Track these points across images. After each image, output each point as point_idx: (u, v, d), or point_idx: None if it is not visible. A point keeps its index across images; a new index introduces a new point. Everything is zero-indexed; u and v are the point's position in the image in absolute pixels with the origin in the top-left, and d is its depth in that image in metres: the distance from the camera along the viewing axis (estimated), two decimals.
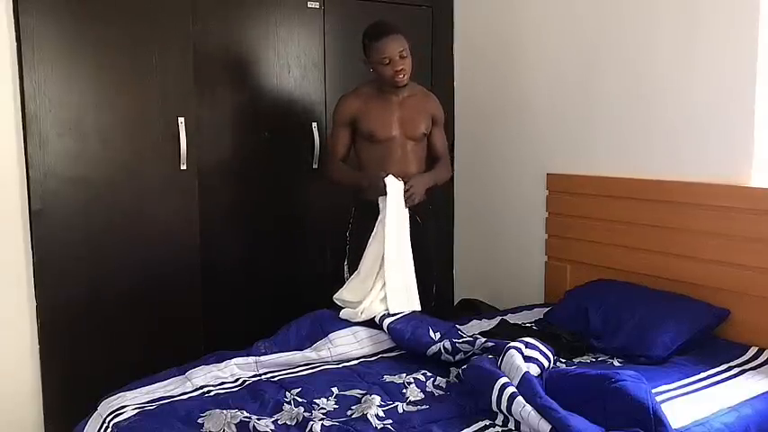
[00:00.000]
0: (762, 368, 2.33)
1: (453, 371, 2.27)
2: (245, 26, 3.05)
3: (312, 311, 2.57)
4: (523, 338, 2.21)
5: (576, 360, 2.42)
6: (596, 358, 2.45)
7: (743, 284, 2.51)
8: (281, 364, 2.32)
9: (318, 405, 2.05)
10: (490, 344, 2.30)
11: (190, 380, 2.17)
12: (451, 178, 3.59)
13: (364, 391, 2.12)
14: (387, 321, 2.47)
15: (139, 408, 2.01)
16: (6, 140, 2.56)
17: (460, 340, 2.37)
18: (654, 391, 1.95)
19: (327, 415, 1.98)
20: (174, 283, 2.93)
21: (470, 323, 2.82)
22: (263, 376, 2.24)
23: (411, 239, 2.73)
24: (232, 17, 3.01)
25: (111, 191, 2.76)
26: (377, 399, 2.04)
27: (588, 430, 1.77)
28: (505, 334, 2.53)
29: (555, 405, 1.83)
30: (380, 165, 2.78)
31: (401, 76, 2.70)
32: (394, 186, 2.65)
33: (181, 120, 2.87)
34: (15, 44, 2.53)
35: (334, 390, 2.14)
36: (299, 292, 3.24)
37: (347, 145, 2.86)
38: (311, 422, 1.89)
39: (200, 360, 2.31)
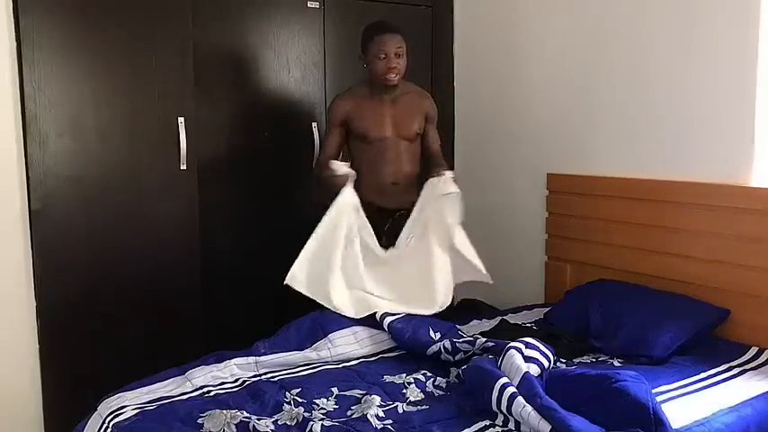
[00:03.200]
0: (762, 368, 2.33)
1: (453, 371, 2.27)
2: (244, 26, 3.05)
3: (312, 311, 2.57)
4: (523, 338, 2.21)
5: (576, 360, 2.42)
6: (596, 358, 2.45)
7: (743, 284, 2.50)
8: (281, 364, 2.32)
9: (318, 405, 2.05)
10: (490, 344, 2.30)
11: (190, 380, 2.17)
12: None
13: (364, 392, 2.12)
14: (387, 320, 2.47)
15: (139, 408, 2.01)
16: (6, 140, 2.56)
17: (460, 340, 2.37)
18: (654, 391, 1.95)
19: (327, 415, 1.98)
20: (174, 282, 2.93)
21: (470, 323, 2.82)
22: (262, 376, 2.24)
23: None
24: (232, 17, 3.01)
25: (110, 191, 2.76)
26: (377, 399, 2.04)
27: (588, 430, 1.77)
28: (505, 334, 2.53)
29: (555, 405, 1.83)
30: (374, 164, 2.80)
31: (393, 74, 2.71)
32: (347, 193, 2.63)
33: (181, 120, 2.87)
34: (15, 44, 2.53)
35: (334, 390, 2.14)
36: (299, 292, 3.24)
37: (338, 145, 2.87)
38: (311, 422, 1.89)
39: (200, 360, 2.31)
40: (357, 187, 2.84)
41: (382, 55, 2.70)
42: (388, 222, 2.82)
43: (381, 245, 2.80)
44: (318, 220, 3.28)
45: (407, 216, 2.83)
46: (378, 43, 2.70)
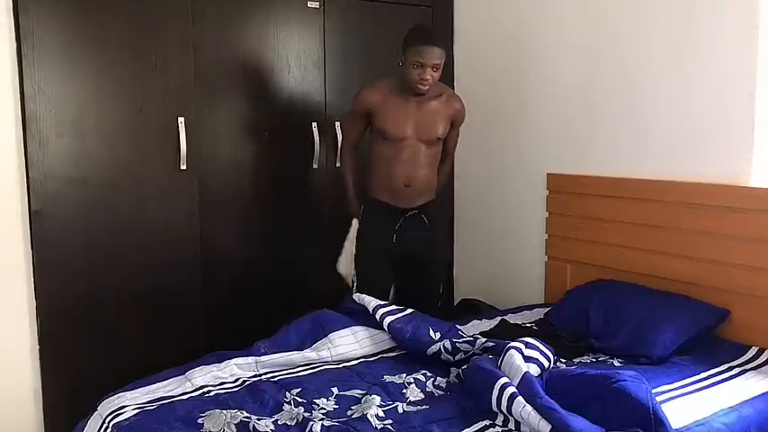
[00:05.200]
0: (762, 368, 2.33)
1: (453, 371, 2.27)
2: (245, 26, 3.05)
3: (312, 311, 2.57)
4: (523, 338, 2.21)
5: (576, 360, 2.42)
6: (596, 358, 2.45)
7: (743, 284, 2.50)
8: (280, 364, 2.32)
9: (318, 405, 2.05)
10: (490, 344, 2.30)
11: (190, 380, 2.17)
12: (451, 178, 3.60)
13: (364, 391, 2.12)
14: (387, 321, 2.47)
15: (139, 408, 2.01)
16: (6, 140, 2.56)
17: (460, 340, 2.37)
18: (654, 391, 1.95)
19: (327, 415, 1.98)
20: (174, 283, 2.93)
21: (470, 323, 2.81)
22: (262, 376, 2.24)
23: (419, 240, 2.85)
24: (232, 17, 3.01)
25: (111, 191, 2.76)
26: (377, 399, 2.04)
27: (588, 430, 1.77)
28: (505, 334, 2.53)
29: (555, 405, 1.83)
30: (389, 165, 2.79)
31: (423, 85, 2.69)
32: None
33: (181, 120, 2.87)
34: (15, 44, 2.53)
35: (334, 390, 2.14)
36: (299, 292, 3.24)
37: (360, 132, 2.89)
38: (311, 422, 1.89)
39: (200, 360, 2.30)
40: (369, 184, 2.85)
41: (418, 65, 2.66)
42: (399, 221, 2.82)
43: (392, 243, 2.81)
44: (318, 219, 3.31)
45: (419, 215, 2.83)
46: (417, 53, 2.64)
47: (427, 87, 2.70)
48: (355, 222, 2.91)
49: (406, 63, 2.69)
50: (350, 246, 2.93)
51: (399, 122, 2.76)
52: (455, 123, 2.89)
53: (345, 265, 2.96)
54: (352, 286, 2.88)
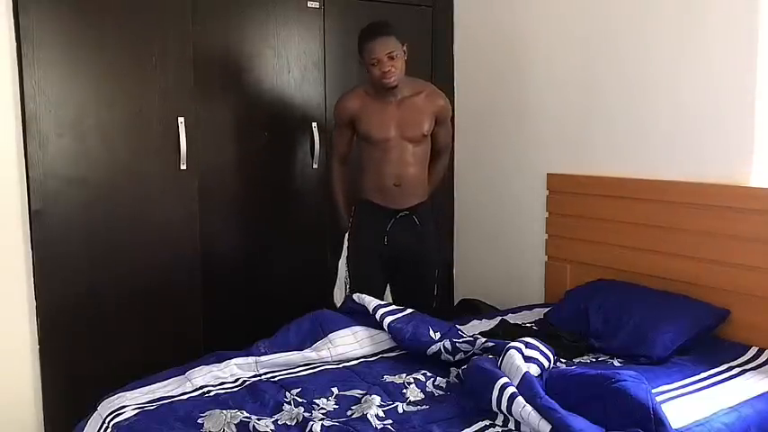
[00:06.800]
0: (762, 368, 2.33)
1: (453, 371, 2.27)
2: (244, 26, 3.05)
3: (312, 311, 2.57)
4: (523, 338, 2.21)
5: (576, 360, 2.42)
6: (596, 358, 2.45)
7: (743, 284, 2.50)
8: (280, 364, 2.32)
9: (318, 405, 2.05)
10: (490, 344, 2.30)
11: (190, 380, 2.17)
12: (451, 178, 3.60)
13: (364, 391, 2.12)
14: (387, 321, 2.47)
15: (139, 408, 2.01)
16: (6, 140, 2.56)
17: (460, 340, 2.37)
18: (654, 391, 1.95)
19: (327, 415, 1.98)
20: (174, 282, 2.93)
21: (470, 323, 2.82)
22: (262, 376, 2.24)
23: (410, 241, 2.84)
24: (232, 17, 3.01)
25: (110, 191, 2.77)
26: (377, 399, 2.04)
27: (588, 430, 1.77)
28: (505, 334, 2.53)
29: (555, 405, 1.83)
30: (378, 166, 2.79)
31: (388, 78, 2.68)
32: None
33: (181, 120, 2.87)
34: (15, 44, 2.53)
35: (334, 390, 2.14)
36: (299, 292, 3.24)
37: (348, 141, 2.89)
38: (311, 422, 1.89)
39: (200, 360, 2.30)
40: (360, 186, 2.86)
41: (374, 61, 2.67)
42: (389, 222, 2.82)
43: (383, 244, 2.81)
44: (317, 219, 3.31)
45: (410, 216, 2.83)
46: (368, 51, 2.67)
47: (393, 78, 2.69)
48: (347, 242, 2.92)
49: (366, 67, 2.71)
50: (343, 271, 2.93)
51: (382, 124, 2.76)
52: (440, 120, 2.88)
53: (340, 291, 2.96)
54: (346, 288, 2.89)
